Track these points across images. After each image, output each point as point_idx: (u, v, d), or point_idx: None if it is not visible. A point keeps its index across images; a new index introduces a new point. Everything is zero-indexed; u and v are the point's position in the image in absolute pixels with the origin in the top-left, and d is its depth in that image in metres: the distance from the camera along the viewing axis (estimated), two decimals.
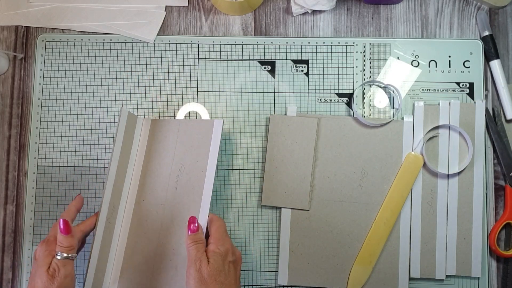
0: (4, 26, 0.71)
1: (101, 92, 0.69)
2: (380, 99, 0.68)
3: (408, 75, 0.68)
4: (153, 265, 0.60)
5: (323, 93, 0.68)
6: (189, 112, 0.69)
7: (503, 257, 0.65)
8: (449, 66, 0.68)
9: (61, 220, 0.54)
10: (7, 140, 0.69)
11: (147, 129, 0.65)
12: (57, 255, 0.54)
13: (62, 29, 0.71)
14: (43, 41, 0.70)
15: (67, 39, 0.70)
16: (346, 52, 0.69)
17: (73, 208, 0.58)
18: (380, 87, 0.68)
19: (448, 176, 0.65)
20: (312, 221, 0.65)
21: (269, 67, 0.69)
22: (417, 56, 0.68)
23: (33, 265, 0.55)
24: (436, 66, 0.68)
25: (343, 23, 0.70)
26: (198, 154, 0.62)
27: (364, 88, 0.68)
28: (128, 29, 0.70)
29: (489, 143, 0.67)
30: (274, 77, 0.69)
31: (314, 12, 0.70)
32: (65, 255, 0.54)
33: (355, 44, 0.69)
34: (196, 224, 0.57)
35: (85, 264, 0.63)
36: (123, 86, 0.69)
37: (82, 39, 0.70)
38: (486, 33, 0.68)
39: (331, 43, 0.69)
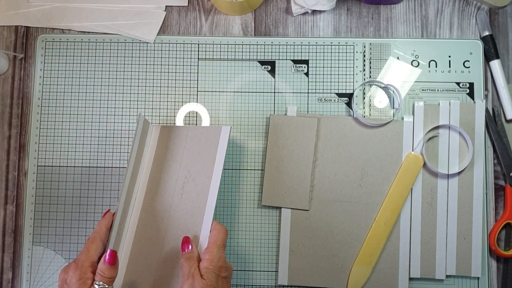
0: (4, 26, 0.71)
1: (101, 92, 0.69)
2: (380, 99, 0.68)
3: (408, 75, 0.68)
4: (156, 272, 0.60)
5: (323, 93, 0.68)
6: (189, 112, 0.69)
7: (503, 257, 0.65)
8: (449, 66, 0.68)
9: (109, 251, 0.53)
10: (7, 140, 0.69)
11: (156, 136, 0.65)
12: (95, 283, 0.52)
13: (62, 29, 0.71)
14: (43, 41, 0.70)
15: (67, 39, 0.70)
16: (346, 52, 0.69)
17: (104, 228, 0.56)
18: (380, 87, 0.68)
19: (448, 176, 0.65)
20: (312, 221, 0.65)
21: (269, 67, 0.69)
22: (417, 56, 0.68)
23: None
24: (436, 66, 0.68)
25: (343, 23, 0.70)
26: (204, 161, 0.61)
27: (364, 88, 0.68)
28: (128, 29, 0.70)
29: (489, 143, 0.67)
30: (274, 77, 0.69)
31: (314, 12, 0.70)
32: (105, 285, 0.52)
33: (355, 44, 0.69)
34: (189, 246, 0.56)
35: None
36: (123, 86, 0.69)
37: (82, 39, 0.70)
38: (486, 33, 0.68)
39: (331, 43, 0.69)
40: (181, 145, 0.63)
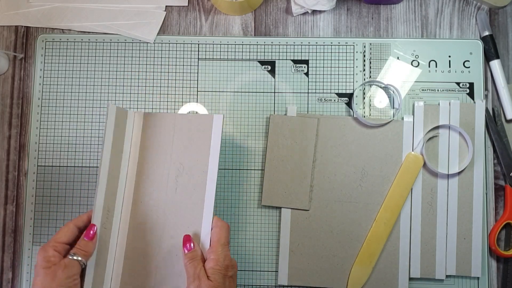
0: (4, 26, 0.71)
1: (101, 92, 0.69)
2: (380, 99, 0.68)
3: (408, 75, 0.68)
4: (156, 272, 0.57)
5: (323, 93, 0.68)
6: (189, 112, 0.69)
7: (503, 257, 0.65)
8: (449, 66, 0.68)
9: (94, 226, 0.55)
10: (7, 140, 0.69)
11: (139, 124, 0.61)
12: (70, 255, 0.53)
13: (62, 29, 0.71)
14: (43, 41, 0.70)
15: (67, 39, 0.70)
16: (346, 52, 0.69)
17: (85, 217, 0.56)
18: (380, 87, 0.68)
19: (448, 176, 0.65)
20: (312, 221, 0.65)
21: (269, 67, 0.69)
22: (417, 56, 0.68)
23: (35, 270, 0.53)
24: (436, 66, 0.68)
25: (343, 23, 0.70)
26: (198, 152, 0.58)
27: (364, 88, 0.68)
28: (128, 29, 0.70)
29: (489, 143, 0.67)
30: (274, 77, 0.69)
31: (314, 12, 0.70)
32: (78, 258, 0.53)
33: (355, 44, 0.69)
34: (191, 244, 0.55)
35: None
36: (123, 86, 0.69)
37: (82, 39, 0.70)
38: (486, 33, 0.68)
39: (331, 43, 0.69)
40: (168, 134, 0.60)
